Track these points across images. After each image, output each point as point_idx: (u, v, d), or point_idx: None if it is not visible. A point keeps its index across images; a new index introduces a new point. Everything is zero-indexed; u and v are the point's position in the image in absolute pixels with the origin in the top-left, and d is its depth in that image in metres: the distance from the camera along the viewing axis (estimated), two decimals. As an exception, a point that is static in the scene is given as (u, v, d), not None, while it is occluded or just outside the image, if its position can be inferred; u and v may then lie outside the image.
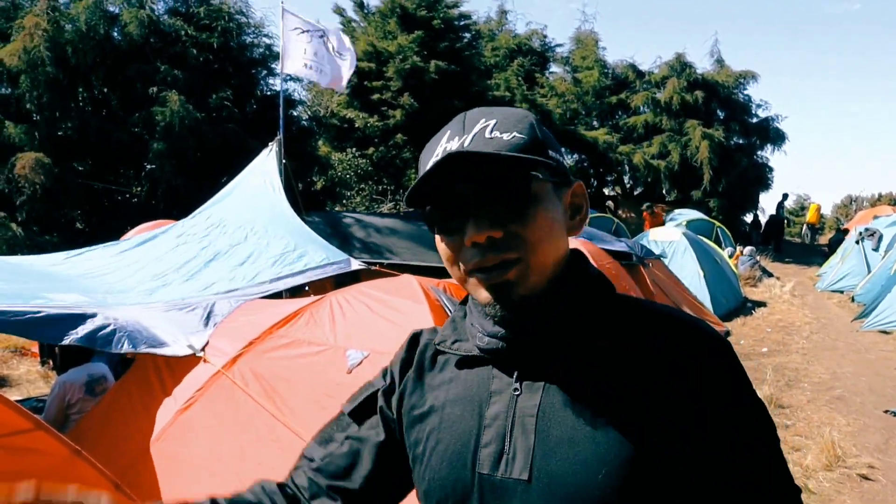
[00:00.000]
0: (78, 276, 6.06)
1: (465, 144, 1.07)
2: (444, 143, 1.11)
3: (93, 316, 4.29)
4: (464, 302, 1.30)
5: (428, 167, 1.07)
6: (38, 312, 4.19)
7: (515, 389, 1.12)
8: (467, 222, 1.06)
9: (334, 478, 1.32)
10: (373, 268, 6.69)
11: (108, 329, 4.25)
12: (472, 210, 1.06)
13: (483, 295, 1.09)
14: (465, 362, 1.21)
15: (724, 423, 1.06)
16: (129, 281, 6.03)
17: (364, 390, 1.37)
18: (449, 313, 4.04)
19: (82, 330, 4.20)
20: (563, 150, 1.19)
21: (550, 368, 1.11)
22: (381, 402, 1.32)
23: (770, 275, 17.44)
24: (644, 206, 21.60)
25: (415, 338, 1.35)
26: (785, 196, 25.43)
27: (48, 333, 4.29)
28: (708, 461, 1.04)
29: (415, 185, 1.06)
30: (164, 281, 6.07)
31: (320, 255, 6.65)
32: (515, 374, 1.13)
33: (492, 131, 1.08)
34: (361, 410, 1.34)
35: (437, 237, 1.14)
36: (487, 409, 1.13)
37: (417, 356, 1.31)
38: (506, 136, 1.07)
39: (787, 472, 1.12)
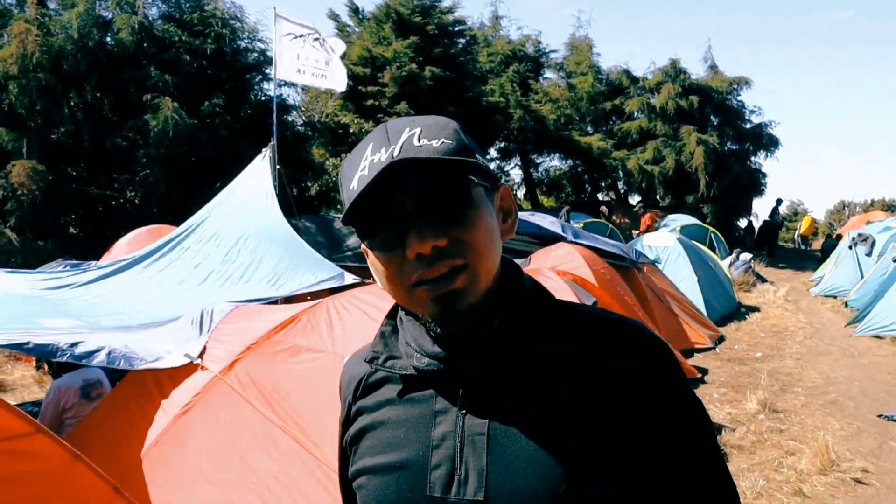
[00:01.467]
0: (70, 298, 6.06)
1: (395, 154, 1.01)
2: (370, 157, 1.04)
3: (85, 342, 4.28)
4: (391, 315, 1.26)
5: (357, 181, 1.03)
6: (27, 344, 4.19)
7: (462, 408, 1.08)
8: (407, 234, 1.01)
9: None
10: (367, 281, 6.70)
11: (104, 353, 4.24)
12: (413, 220, 1.01)
13: (430, 308, 1.04)
14: (406, 382, 1.16)
15: (670, 424, 1.07)
16: (123, 303, 6.04)
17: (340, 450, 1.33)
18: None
19: (78, 351, 4.21)
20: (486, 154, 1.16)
21: (495, 383, 1.08)
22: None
23: (763, 280, 17.48)
24: (639, 208, 21.63)
25: (348, 381, 1.29)
26: (779, 201, 25.56)
27: (43, 353, 4.29)
28: (658, 462, 1.06)
29: (355, 201, 1.01)
30: (158, 303, 6.08)
31: (313, 274, 6.68)
32: (460, 391, 1.09)
33: (419, 139, 1.03)
34: (343, 468, 1.30)
35: (374, 255, 1.08)
36: (433, 429, 1.09)
37: (354, 385, 1.26)
38: (435, 143, 1.03)
39: (726, 469, 1.15)
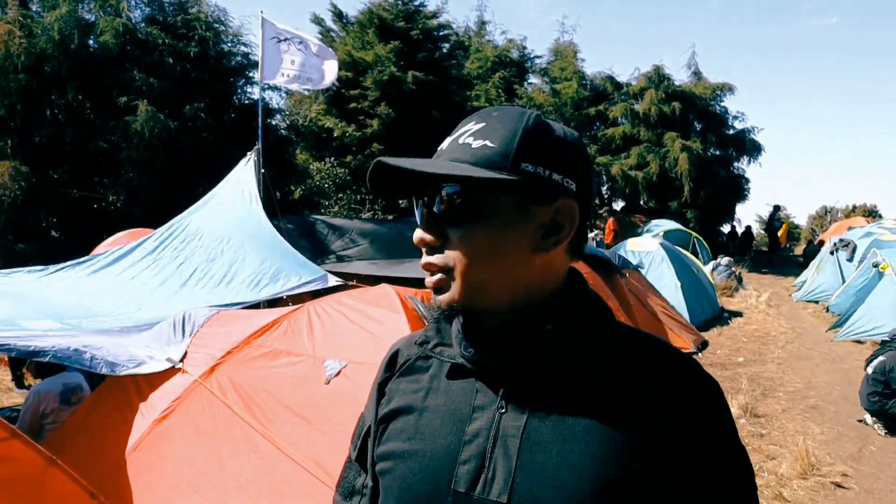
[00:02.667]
0: (52, 298, 6.01)
1: (443, 147, 1.08)
2: (447, 137, 1.11)
3: (67, 347, 4.25)
4: None
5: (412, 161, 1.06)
6: (7, 345, 4.15)
7: (500, 407, 1.07)
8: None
9: None
10: (350, 283, 6.69)
11: (86, 356, 4.21)
12: (424, 210, 1.08)
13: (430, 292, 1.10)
14: (452, 371, 1.16)
15: (710, 467, 1.04)
16: (104, 304, 5.99)
17: (359, 429, 1.33)
18: (426, 323, 4.05)
19: (59, 353, 4.17)
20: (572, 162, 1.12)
21: (538, 389, 1.07)
22: (365, 435, 1.29)
23: (742, 283, 17.54)
24: (604, 212, 21.64)
25: (393, 354, 1.30)
26: (776, 207, 25.59)
27: (26, 352, 4.25)
28: (690, 499, 1.02)
29: (391, 168, 1.06)
30: (140, 304, 6.04)
31: (297, 276, 6.66)
32: (501, 391, 1.08)
33: (468, 137, 1.06)
34: (363, 453, 1.30)
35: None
36: (469, 424, 1.08)
37: (400, 361, 1.27)
38: (476, 145, 1.04)
39: None
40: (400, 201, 22.59)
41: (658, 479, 1.00)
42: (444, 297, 1.07)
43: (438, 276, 1.07)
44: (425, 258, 1.08)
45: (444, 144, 1.09)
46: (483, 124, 1.07)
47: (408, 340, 1.31)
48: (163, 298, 6.24)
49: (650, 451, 1.01)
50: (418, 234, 1.08)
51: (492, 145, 1.04)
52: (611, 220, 20.63)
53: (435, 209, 1.06)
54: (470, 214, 1.05)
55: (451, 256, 1.06)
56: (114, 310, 5.91)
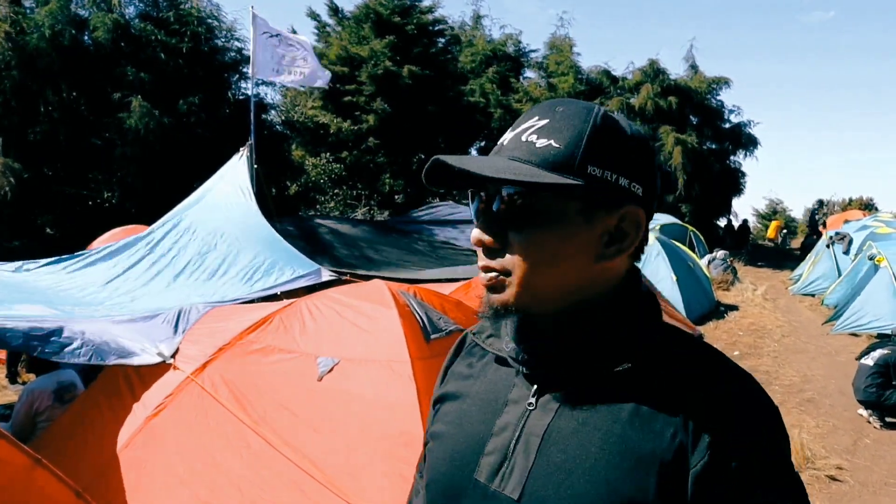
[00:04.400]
0: (45, 287, 5.98)
1: (505, 143, 1.03)
2: (509, 130, 1.06)
3: (59, 331, 4.22)
4: None
5: (496, 147, 1.06)
6: (6, 331, 4.12)
7: (530, 404, 1.07)
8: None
9: None
10: (343, 277, 6.66)
11: (76, 343, 4.19)
12: (482, 211, 1.05)
13: (483, 292, 1.08)
14: (496, 360, 1.19)
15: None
16: (98, 296, 5.96)
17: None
18: (418, 319, 4.04)
19: (49, 343, 4.15)
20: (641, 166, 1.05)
21: (570, 391, 1.05)
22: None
23: (740, 279, 17.54)
24: None
25: (462, 339, 1.33)
26: (820, 202, 25.45)
27: (14, 344, 4.22)
28: None
29: (452, 167, 1.01)
30: (133, 296, 6.01)
31: (291, 269, 6.63)
32: (535, 388, 1.08)
33: (532, 134, 1.01)
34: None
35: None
36: (499, 417, 1.10)
37: (464, 346, 1.31)
38: (540, 144, 0.99)
39: None
40: (397, 197, 22.59)
41: (674, 501, 0.94)
42: (498, 298, 1.05)
43: (492, 274, 1.05)
44: (483, 261, 1.05)
45: (506, 139, 1.04)
46: (547, 120, 1.01)
47: (477, 326, 1.30)
48: (156, 290, 6.21)
49: (674, 474, 0.94)
50: (476, 234, 1.03)
51: (557, 145, 0.99)
52: None
53: (494, 209, 1.02)
54: (533, 219, 1.00)
55: (511, 261, 1.02)
56: (107, 300, 5.88)
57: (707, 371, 1.03)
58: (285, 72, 10.09)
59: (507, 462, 1.05)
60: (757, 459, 0.94)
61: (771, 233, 30.07)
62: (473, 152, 27.87)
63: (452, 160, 1.00)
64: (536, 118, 1.03)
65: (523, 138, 1.01)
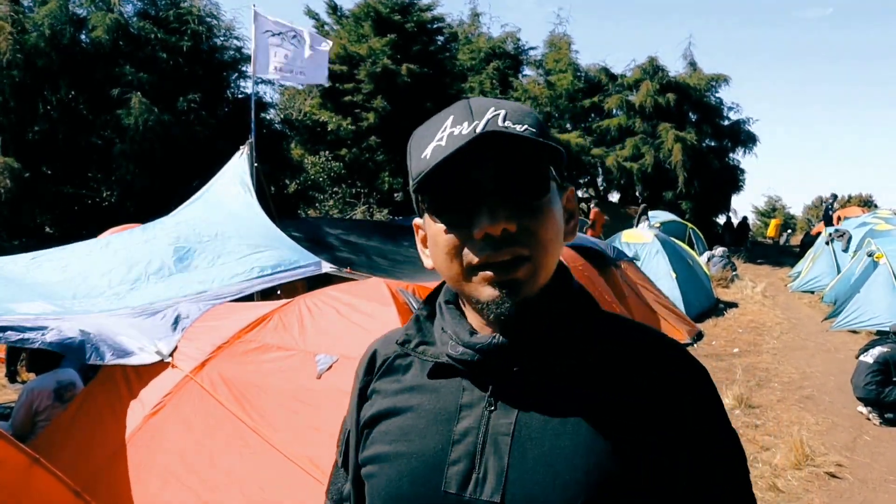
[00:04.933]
0: (45, 280, 5.97)
1: (479, 130, 0.98)
2: (450, 129, 1.01)
3: (58, 330, 4.23)
4: (429, 301, 1.22)
5: (432, 151, 1.01)
6: (7, 329, 4.13)
7: (490, 405, 1.05)
8: (478, 212, 0.98)
9: None
10: (343, 270, 6.66)
11: (76, 340, 4.20)
12: (489, 199, 0.98)
13: (488, 292, 1.00)
14: (432, 370, 1.13)
15: (705, 451, 1.04)
16: (98, 284, 5.95)
17: (343, 434, 1.29)
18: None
19: (50, 338, 4.15)
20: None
21: (527, 385, 1.05)
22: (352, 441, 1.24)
23: (740, 277, 17.54)
24: (594, 204, 21.63)
25: (371, 356, 1.25)
26: (834, 196, 25.36)
27: (15, 340, 4.22)
28: (686, 488, 1.02)
29: (429, 172, 0.99)
30: (134, 285, 6.00)
31: (290, 258, 6.62)
32: (490, 388, 1.06)
33: (504, 120, 0.99)
34: (346, 459, 1.26)
35: (437, 229, 1.04)
36: (457, 423, 1.06)
37: (379, 362, 1.22)
38: (519, 128, 0.99)
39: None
40: (396, 196, 22.58)
41: (654, 467, 0.99)
42: (528, 290, 1.02)
43: (523, 266, 1.00)
44: (505, 251, 0.99)
45: (480, 126, 0.99)
46: (505, 110, 1.01)
47: (385, 340, 1.27)
48: (155, 279, 6.19)
49: (644, 439, 1.00)
50: (493, 223, 0.97)
51: (533, 129, 1.00)
52: (594, 210, 20.58)
53: (513, 190, 1.00)
54: (547, 195, 1.03)
55: (531, 242, 1.01)
56: (106, 289, 5.87)
57: (647, 346, 1.10)
58: (286, 71, 10.07)
59: (478, 467, 1.02)
60: (711, 411, 1.07)
61: (771, 231, 30.12)
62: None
63: (501, 127, 0.98)
64: (493, 109, 1.02)
65: (500, 123, 0.99)
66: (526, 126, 1.00)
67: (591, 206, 21.70)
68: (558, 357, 1.06)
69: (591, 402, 1.02)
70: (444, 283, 1.20)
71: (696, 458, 1.02)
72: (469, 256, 1.01)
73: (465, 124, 1.00)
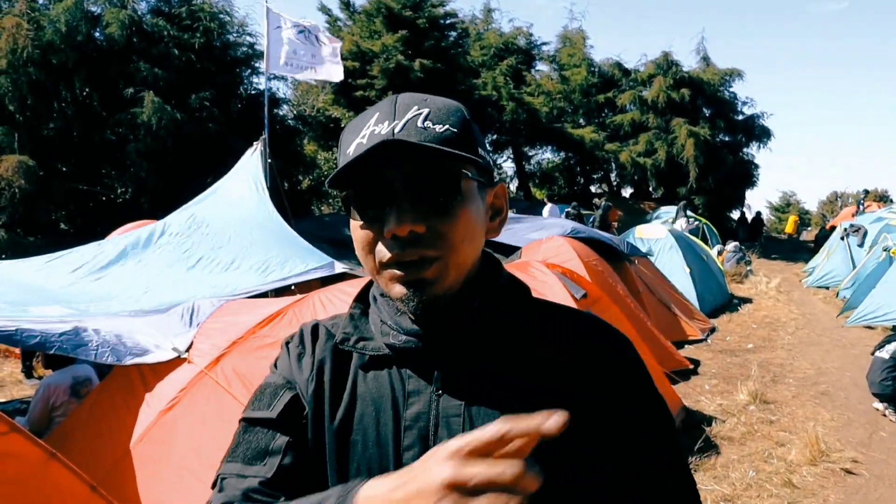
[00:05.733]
0: (60, 285, 6.00)
1: (397, 130, 1.01)
2: (373, 126, 1.04)
3: (74, 333, 4.24)
4: (360, 299, 1.24)
5: (354, 148, 1.03)
6: (22, 332, 4.14)
7: (437, 390, 1.07)
8: (388, 212, 1.01)
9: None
10: (356, 270, 6.66)
11: (91, 345, 4.21)
12: (397, 201, 1.01)
13: (397, 290, 1.04)
14: (373, 363, 1.13)
15: (639, 420, 1.10)
16: (111, 289, 5.98)
17: (272, 389, 1.18)
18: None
19: (66, 343, 4.16)
20: (489, 148, 1.15)
21: (471, 370, 1.08)
22: (288, 402, 1.15)
23: (753, 272, 17.46)
24: (602, 201, 21.58)
25: (312, 329, 1.22)
26: (866, 192, 25.17)
27: (30, 343, 4.23)
28: (625, 458, 1.07)
29: (343, 167, 1.01)
30: (147, 288, 6.02)
31: (303, 263, 6.63)
32: (435, 373, 1.08)
33: (424, 121, 1.02)
34: (289, 414, 1.14)
35: (355, 223, 1.07)
36: (406, 409, 1.08)
37: (323, 353, 1.18)
38: (438, 128, 1.02)
39: (689, 470, 1.18)
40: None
41: (594, 438, 1.05)
42: (437, 289, 1.04)
43: (432, 266, 1.02)
44: (411, 251, 1.01)
45: (398, 126, 1.01)
46: (427, 110, 1.04)
47: (325, 325, 1.23)
48: (169, 282, 6.21)
49: (588, 418, 1.04)
50: (399, 224, 0.99)
51: (454, 129, 1.03)
52: (614, 211, 20.57)
53: (421, 193, 1.01)
54: (458, 197, 1.04)
55: (440, 243, 1.02)
56: (121, 293, 5.89)
57: (574, 325, 1.18)
58: (298, 67, 10.08)
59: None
60: (636, 379, 1.15)
61: (789, 228, 29.89)
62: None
63: (403, 137, 1.00)
64: (416, 108, 1.04)
65: (419, 124, 1.02)
66: (447, 126, 1.03)
67: (601, 202, 21.66)
68: (495, 340, 1.10)
69: (534, 380, 1.08)
70: (371, 281, 1.22)
71: (630, 425, 1.09)
72: (381, 254, 1.03)
73: (386, 123, 1.03)
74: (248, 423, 1.18)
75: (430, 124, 1.02)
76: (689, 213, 19.84)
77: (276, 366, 1.24)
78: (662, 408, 1.16)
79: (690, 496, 1.16)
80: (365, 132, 1.04)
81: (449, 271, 1.04)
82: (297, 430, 1.13)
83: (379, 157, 0.99)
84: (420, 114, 1.03)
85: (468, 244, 1.06)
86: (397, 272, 1.03)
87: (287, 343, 1.25)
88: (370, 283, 1.24)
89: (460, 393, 1.07)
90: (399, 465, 1.04)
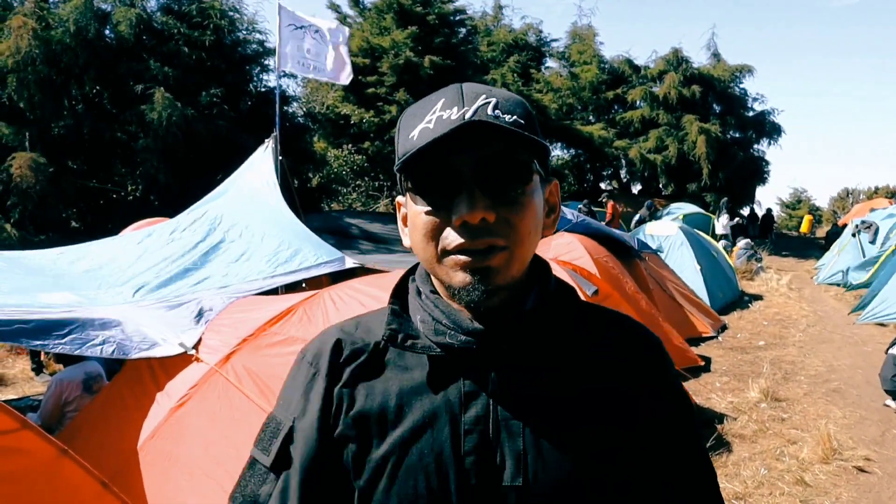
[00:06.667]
0: (70, 271, 6.02)
1: (468, 116, 0.99)
2: (439, 112, 1.02)
3: (80, 326, 4.23)
4: (397, 294, 1.19)
5: (420, 133, 1.01)
6: (27, 323, 4.14)
7: (494, 392, 1.05)
8: (457, 199, 1.00)
9: None
10: (367, 265, 6.66)
11: (97, 339, 4.20)
12: (467, 187, 1.00)
13: (460, 277, 1.01)
14: (431, 364, 1.09)
15: (670, 420, 1.14)
16: (123, 275, 5.99)
17: (270, 431, 1.16)
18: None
19: (70, 339, 4.15)
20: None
21: (526, 371, 1.07)
22: (297, 444, 1.11)
23: (764, 269, 17.40)
24: (603, 197, 21.55)
25: (332, 348, 1.16)
26: None
27: (35, 342, 4.21)
28: (656, 455, 1.11)
29: (413, 154, 0.99)
30: (158, 274, 6.03)
31: (314, 254, 6.62)
32: (493, 375, 1.06)
33: (494, 109, 1.01)
34: (283, 461, 1.12)
35: (417, 210, 1.05)
36: (464, 413, 1.05)
37: (349, 367, 1.13)
38: (507, 118, 1.01)
39: (712, 468, 1.22)
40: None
41: (637, 437, 1.08)
42: (500, 279, 1.02)
43: (498, 255, 1.01)
44: (481, 240, 1.00)
45: (468, 112, 0.99)
46: (496, 99, 1.03)
47: (348, 335, 1.19)
48: (181, 271, 6.22)
49: (633, 415, 1.09)
50: (471, 211, 0.98)
51: (522, 121, 1.02)
52: (611, 203, 20.54)
53: (493, 180, 1.01)
54: (528, 187, 1.05)
55: (508, 232, 1.02)
56: (130, 280, 5.90)
57: (617, 328, 1.20)
58: (308, 66, 10.08)
59: (496, 454, 1.03)
60: (668, 382, 1.18)
61: (805, 227, 29.76)
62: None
63: (489, 117, 0.99)
64: (484, 97, 1.03)
65: (490, 111, 1.00)
66: (515, 117, 1.02)
67: (604, 198, 21.62)
68: (546, 344, 1.09)
69: (584, 385, 1.09)
70: (407, 275, 1.23)
71: (664, 425, 1.13)
72: (445, 241, 1.02)
73: (455, 109, 1.01)
74: (252, 460, 1.17)
75: (500, 112, 1.01)
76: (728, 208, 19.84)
77: (287, 383, 1.20)
78: (690, 410, 1.21)
79: (712, 495, 1.19)
80: (430, 117, 1.02)
81: (513, 262, 1.03)
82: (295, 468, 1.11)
83: (450, 143, 0.98)
84: (489, 102, 1.02)
85: (533, 236, 1.06)
86: (463, 258, 1.01)
87: (304, 356, 1.20)
88: (404, 280, 1.22)
89: (517, 395, 1.06)
90: (461, 470, 1.03)
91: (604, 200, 21.26)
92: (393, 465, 1.05)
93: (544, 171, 1.10)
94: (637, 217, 18.68)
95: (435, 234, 1.03)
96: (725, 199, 20.92)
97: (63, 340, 4.13)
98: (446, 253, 1.02)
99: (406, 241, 1.14)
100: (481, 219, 0.99)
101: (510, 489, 1.01)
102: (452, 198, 1.01)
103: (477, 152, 1.00)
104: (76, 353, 4.19)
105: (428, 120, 1.02)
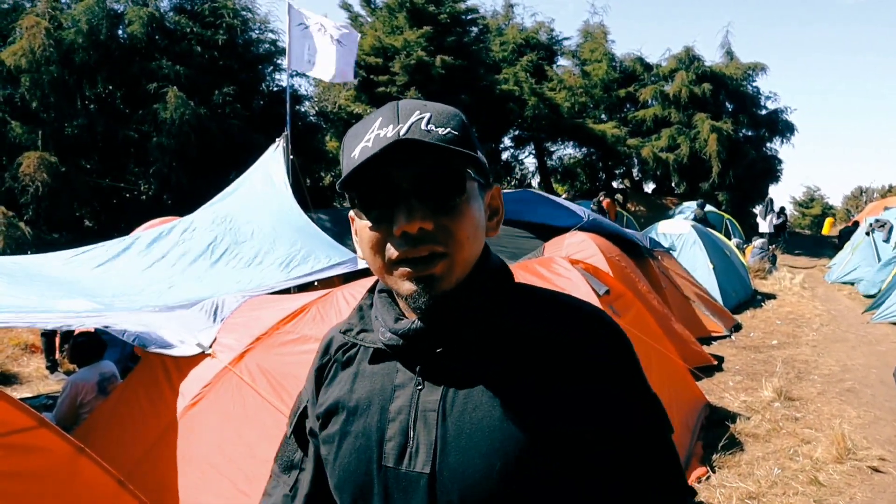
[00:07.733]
0: (82, 278, 6.05)
1: (402, 133, 1.05)
2: (377, 130, 1.08)
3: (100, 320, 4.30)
4: (372, 291, 1.29)
5: (360, 152, 1.07)
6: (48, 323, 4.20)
7: (418, 384, 1.13)
8: (397, 211, 1.06)
9: None
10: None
11: (118, 328, 4.29)
12: (405, 199, 1.06)
13: (407, 286, 1.08)
14: (376, 356, 1.21)
15: (625, 415, 1.12)
16: (136, 283, 6.02)
17: (296, 407, 1.39)
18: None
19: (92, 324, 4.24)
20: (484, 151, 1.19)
21: (451, 362, 1.13)
22: (309, 420, 1.33)
23: (777, 268, 17.32)
24: (601, 196, 21.49)
25: (328, 341, 1.33)
26: None
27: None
28: (606, 454, 1.11)
29: (353, 170, 1.05)
30: (170, 283, 6.06)
31: (326, 257, 6.64)
32: (418, 368, 1.14)
33: (427, 124, 1.07)
34: (300, 430, 1.36)
35: (362, 224, 1.12)
36: (391, 403, 1.15)
37: (332, 356, 1.30)
38: (441, 131, 1.07)
39: (679, 467, 1.20)
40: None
41: (573, 435, 1.08)
42: (444, 285, 1.09)
43: (440, 262, 1.07)
44: (422, 247, 1.06)
45: (403, 129, 1.06)
46: (430, 113, 1.09)
47: (338, 328, 1.34)
48: (193, 277, 6.25)
49: (562, 408, 1.09)
50: (409, 221, 1.04)
51: (455, 133, 1.08)
52: (606, 200, 20.53)
53: (428, 191, 1.07)
54: (463, 195, 1.09)
55: (447, 240, 1.08)
56: (145, 288, 5.94)
57: (562, 314, 1.19)
58: (318, 65, 10.10)
59: (411, 442, 1.11)
60: (624, 371, 1.16)
61: (826, 229, 29.56)
62: (507, 141, 27.84)
63: (419, 137, 1.05)
64: (418, 112, 1.09)
65: (423, 126, 1.07)
66: (448, 129, 1.08)
67: (601, 197, 21.56)
68: (477, 338, 1.14)
69: (509, 376, 1.11)
70: None
71: (616, 424, 1.11)
72: (390, 251, 1.08)
73: (391, 127, 1.07)
74: (286, 434, 1.40)
75: (433, 127, 1.07)
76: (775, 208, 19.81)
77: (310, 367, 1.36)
78: (652, 403, 1.19)
79: (674, 492, 1.18)
80: (369, 136, 1.08)
81: (455, 267, 1.09)
82: (308, 444, 1.34)
83: (386, 159, 1.04)
84: (423, 118, 1.08)
85: (472, 241, 1.11)
86: (407, 269, 1.08)
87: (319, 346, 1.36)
88: None
89: (439, 388, 1.13)
90: (380, 456, 1.13)
91: (600, 199, 21.20)
92: (338, 443, 1.20)
93: (483, 177, 1.16)
94: (692, 216, 18.50)
95: (380, 247, 1.10)
96: (770, 198, 20.87)
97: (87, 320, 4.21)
98: (392, 264, 1.09)
99: (359, 253, 1.19)
100: (419, 228, 1.05)
101: (420, 475, 1.09)
102: (392, 211, 1.06)
103: (412, 166, 1.06)
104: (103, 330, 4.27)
105: (367, 139, 1.08)
